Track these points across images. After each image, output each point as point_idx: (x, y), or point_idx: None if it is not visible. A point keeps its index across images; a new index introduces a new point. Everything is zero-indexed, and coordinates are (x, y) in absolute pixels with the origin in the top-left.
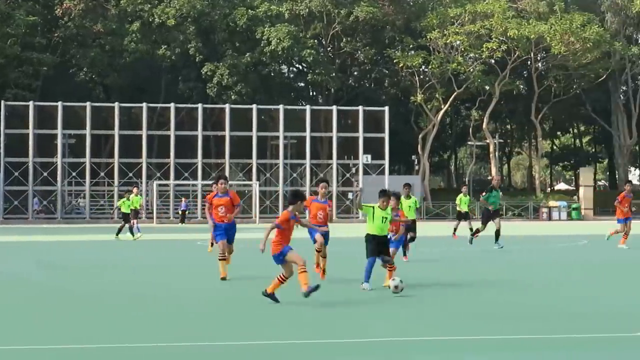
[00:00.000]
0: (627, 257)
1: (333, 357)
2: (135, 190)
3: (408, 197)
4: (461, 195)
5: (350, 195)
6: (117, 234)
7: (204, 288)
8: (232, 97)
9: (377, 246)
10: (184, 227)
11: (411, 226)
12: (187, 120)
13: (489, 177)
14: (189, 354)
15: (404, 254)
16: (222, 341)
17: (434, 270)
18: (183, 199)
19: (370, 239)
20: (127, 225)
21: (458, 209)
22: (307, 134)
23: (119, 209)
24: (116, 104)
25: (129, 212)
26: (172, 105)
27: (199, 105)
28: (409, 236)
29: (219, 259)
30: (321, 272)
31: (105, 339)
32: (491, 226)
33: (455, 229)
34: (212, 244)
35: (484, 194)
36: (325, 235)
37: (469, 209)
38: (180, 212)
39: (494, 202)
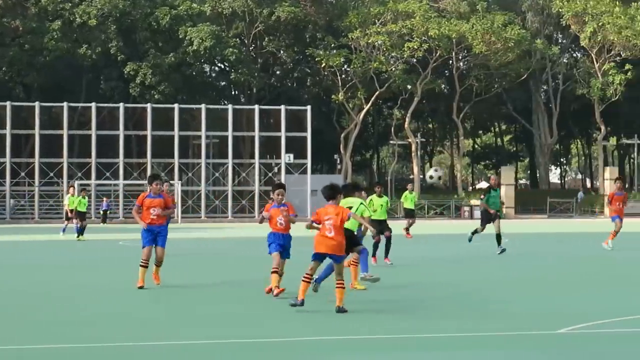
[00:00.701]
0: (547, 253)
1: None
2: (71, 190)
3: (380, 196)
4: (407, 192)
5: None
6: (78, 236)
7: (124, 288)
8: (155, 96)
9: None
10: (105, 227)
11: (385, 226)
12: (108, 120)
13: (411, 176)
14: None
15: (386, 256)
16: (133, 342)
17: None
18: (104, 199)
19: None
20: (76, 224)
21: (405, 206)
22: (230, 133)
23: (73, 210)
24: (37, 104)
25: (85, 211)
26: (93, 104)
27: (121, 105)
28: (386, 235)
29: (141, 266)
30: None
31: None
32: (490, 227)
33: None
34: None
35: (483, 196)
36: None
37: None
38: (101, 212)
39: (494, 202)
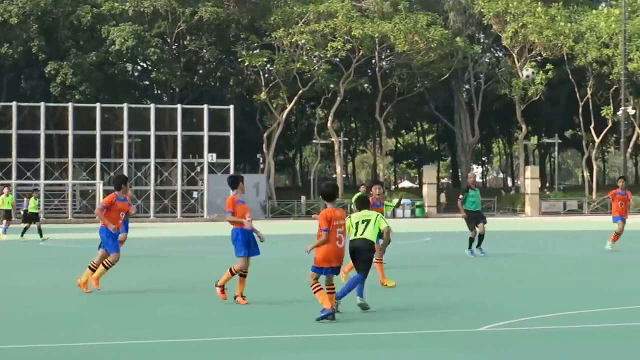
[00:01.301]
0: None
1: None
2: (5, 190)
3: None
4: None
5: (195, 195)
6: (22, 234)
7: (51, 289)
8: (76, 96)
9: None
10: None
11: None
12: (29, 119)
13: (334, 175)
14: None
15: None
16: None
17: (287, 269)
18: (25, 199)
19: None
20: (32, 225)
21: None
22: (152, 132)
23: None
24: None
25: (36, 212)
26: (14, 104)
27: (42, 104)
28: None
29: (105, 267)
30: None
31: None
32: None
33: None
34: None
35: (461, 196)
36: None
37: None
38: (22, 212)
39: (473, 202)
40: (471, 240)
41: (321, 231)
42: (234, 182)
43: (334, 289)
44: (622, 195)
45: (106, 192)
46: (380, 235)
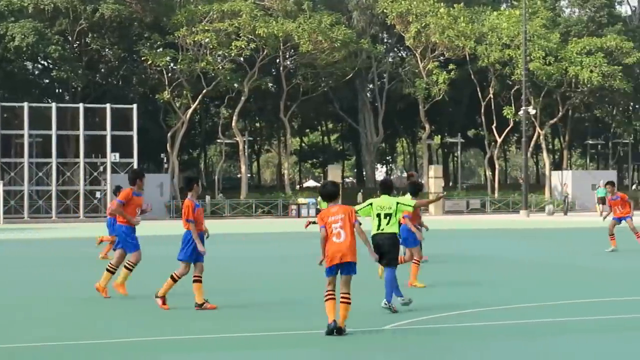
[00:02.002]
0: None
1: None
2: None
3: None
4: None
5: (98, 195)
6: None
7: None
8: None
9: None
10: None
11: None
12: None
13: (239, 175)
14: None
15: None
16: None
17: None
18: None
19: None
20: None
21: None
22: (54, 132)
23: None
24: None
25: None
26: None
27: None
28: None
29: (128, 269)
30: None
31: None
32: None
33: None
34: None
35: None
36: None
37: None
38: None
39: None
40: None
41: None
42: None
43: (348, 298)
44: (617, 200)
45: (6, 193)
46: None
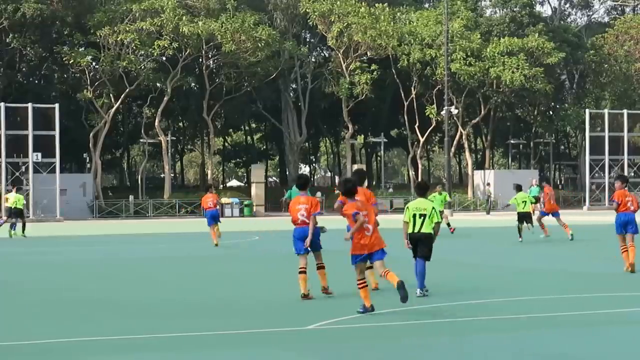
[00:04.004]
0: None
1: None
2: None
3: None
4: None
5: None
6: (22, 231)
7: None
8: None
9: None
10: None
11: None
12: None
13: (162, 175)
14: None
15: None
16: None
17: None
18: None
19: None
20: (13, 221)
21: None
22: None
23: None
24: None
25: (22, 209)
26: None
27: None
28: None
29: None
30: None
31: None
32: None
33: None
34: None
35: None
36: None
37: None
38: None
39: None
40: None
41: (351, 217)
42: None
43: (364, 282)
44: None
45: None
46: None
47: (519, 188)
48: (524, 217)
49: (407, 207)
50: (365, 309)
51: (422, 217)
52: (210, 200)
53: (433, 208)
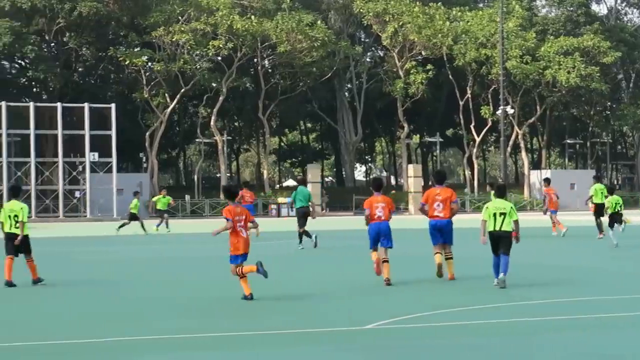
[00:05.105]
0: (353, 249)
1: None
2: (164, 192)
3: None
4: (160, 196)
5: (77, 194)
6: (159, 228)
7: None
8: None
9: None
10: None
11: None
12: None
13: (218, 175)
14: None
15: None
16: None
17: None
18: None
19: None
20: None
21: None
22: (32, 131)
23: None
24: None
25: (165, 208)
26: None
27: None
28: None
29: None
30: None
31: None
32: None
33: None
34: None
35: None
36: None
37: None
38: None
39: (302, 198)
40: (303, 234)
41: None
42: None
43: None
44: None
45: None
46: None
47: (597, 179)
48: (612, 217)
49: (487, 207)
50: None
51: (502, 216)
52: (248, 196)
53: (511, 207)
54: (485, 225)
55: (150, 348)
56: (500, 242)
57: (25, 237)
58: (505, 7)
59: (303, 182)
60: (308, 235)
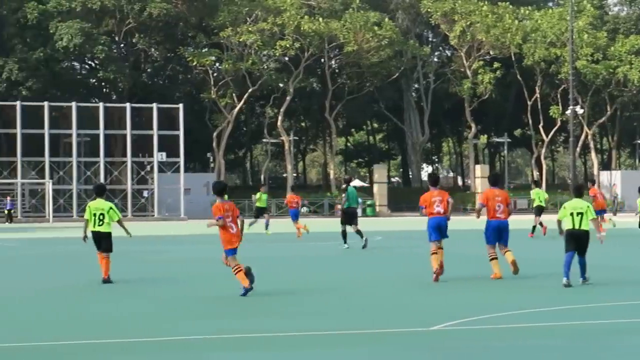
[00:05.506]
0: (419, 250)
1: None
2: (263, 189)
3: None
4: (259, 193)
5: (145, 194)
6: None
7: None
8: (23, 92)
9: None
10: (12, 226)
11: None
12: None
13: (284, 175)
14: None
15: None
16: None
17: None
18: (8, 198)
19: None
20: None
21: (257, 204)
22: (101, 131)
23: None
24: None
25: (266, 206)
26: None
27: None
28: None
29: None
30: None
31: None
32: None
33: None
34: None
35: (343, 195)
36: None
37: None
38: (6, 212)
39: (351, 198)
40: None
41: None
42: None
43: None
44: None
45: (55, 191)
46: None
47: None
48: None
49: (564, 207)
50: None
51: (580, 215)
52: (294, 200)
53: (588, 206)
54: (562, 224)
55: (212, 347)
56: (580, 241)
57: (109, 235)
58: (575, 6)
59: (350, 182)
60: (344, 238)
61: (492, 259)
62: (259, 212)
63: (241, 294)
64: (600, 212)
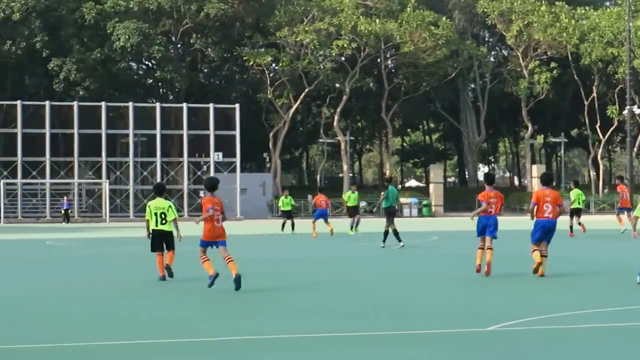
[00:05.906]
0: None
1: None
2: (286, 192)
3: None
4: (349, 192)
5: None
6: (353, 229)
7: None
8: (80, 92)
9: None
10: (67, 226)
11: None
12: (34, 118)
13: (340, 175)
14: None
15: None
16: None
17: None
18: (65, 198)
19: None
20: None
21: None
22: (158, 131)
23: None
24: None
25: (357, 205)
26: (18, 102)
27: (47, 103)
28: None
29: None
30: None
31: None
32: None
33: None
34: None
35: (382, 194)
36: None
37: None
38: (63, 212)
39: (392, 197)
40: (386, 233)
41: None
42: None
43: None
44: None
45: (112, 191)
46: None
47: None
48: None
49: None
50: None
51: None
52: (323, 200)
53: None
54: (637, 221)
55: (270, 347)
56: None
57: (171, 234)
58: (633, 5)
59: (391, 181)
60: (398, 237)
61: (534, 250)
62: (352, 212)
63: (209, 285)
64: (623, 209)
